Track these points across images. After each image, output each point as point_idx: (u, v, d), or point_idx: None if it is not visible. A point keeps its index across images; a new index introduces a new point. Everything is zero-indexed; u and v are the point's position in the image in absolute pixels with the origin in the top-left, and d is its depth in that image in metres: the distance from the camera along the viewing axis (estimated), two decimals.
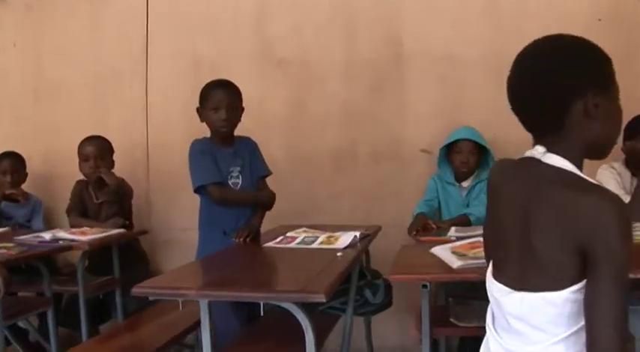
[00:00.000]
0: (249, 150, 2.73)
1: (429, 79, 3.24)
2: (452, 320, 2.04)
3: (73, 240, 2.57)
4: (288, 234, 2.47)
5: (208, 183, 2.52)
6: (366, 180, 3.32)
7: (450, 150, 3.08)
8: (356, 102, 3.32)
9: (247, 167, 2.67)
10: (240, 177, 2.63)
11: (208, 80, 3.37)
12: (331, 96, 3.34)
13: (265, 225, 2.73)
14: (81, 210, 3.04)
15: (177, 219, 3.49)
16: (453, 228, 2.61)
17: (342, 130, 3.34)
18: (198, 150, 2.59)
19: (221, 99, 2.56)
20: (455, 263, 1.77)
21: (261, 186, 2.70)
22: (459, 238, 2.29)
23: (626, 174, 2.75)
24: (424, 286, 1.76)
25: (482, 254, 1.83)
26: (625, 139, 2.72)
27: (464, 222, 2.81)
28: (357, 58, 3.31)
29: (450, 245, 2.06)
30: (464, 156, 3.00)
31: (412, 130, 3.27)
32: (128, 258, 2.96)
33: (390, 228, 2.98)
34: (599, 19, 3.09)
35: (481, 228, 2.54)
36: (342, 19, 3.32)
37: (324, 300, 1.48)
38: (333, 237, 2.37)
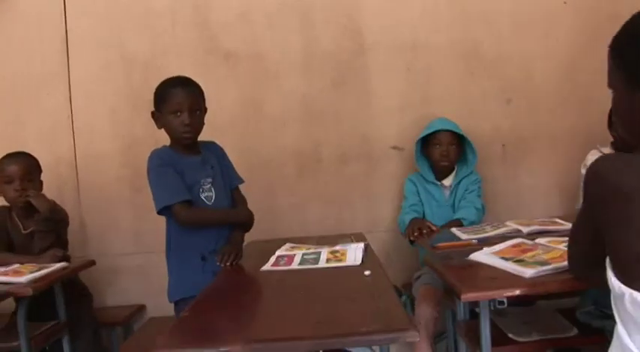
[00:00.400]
0: (217, 156, 2.34)
1: (394, 69, 2.99)
2: (510, 335, 1.79)
3: (7, 283, 2.04)
4: (279, 253, 2.12)
5: (174, 203, 2.10)
6: (333, 184, 3.01)
7: (426, 143, 2.86)
8: (317, 97, 3.01)
9: (219, 177, 2.28)
10: (213, 189, 2.23)
11: (142, 80, 2.94)
12: (289, 92, 2.99)
13: None
14: (6, 244, 2.46)
15: (117, 242, 3.00)
16: (456, 230, 2.37)
17: (303, 130, 3.01)
18: (158, 164, 2.17)
19: (182, 101, 2.16)
20: (525, 272, 1.52)
21: (237, 198, 2.33)
22: (479, 241, 2.06)
23: None
24: (500, 303, 1.49)
25: (544, 257, 1.65)
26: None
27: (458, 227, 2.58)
28: (316, 49, 2.99)
29: (489, 250, 1.81)
30: (443, 148, 2.78)
31: (379, 126, 3.01)
32: (68, 295, 2.44)
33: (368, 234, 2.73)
34: (565, 2, 3.00)
35: (491, 228, 2.39)
36: (295, 5, 2.98)
37: (418, 339, 1.17)
38: (336, 251, 2.05)
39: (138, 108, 2.97)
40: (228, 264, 2.06)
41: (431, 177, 2.84)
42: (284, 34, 2.98)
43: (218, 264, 2.07)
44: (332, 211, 2.99)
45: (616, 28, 2.75)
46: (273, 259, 2.05)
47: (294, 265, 1.95)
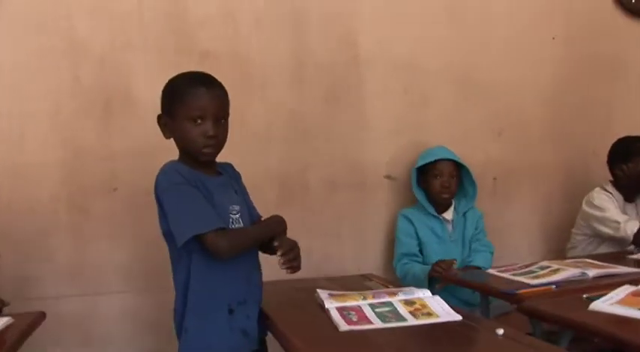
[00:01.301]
0: (238, 181, 1.87)
1: (391, 89, 2.71)
2: None
3: None
4: (336, 305, 1.70)
5: (207, 232, 1.59)
6: (321, 214, 2.63)
7: (423, 174, 2.61)
8: (307, 114, 2.61)
9: (244, 206, 1.80)
10: (241, 220, 1.75)
11: (95, 76, 2.35)
12: (275, 104, 2.57)
13: None
14: None
15: (49, 281, 2.31)
16: (495, 272, 2.13)
17: (290, 150, 2.59)
18: (179, 181, 1.63)
19: (206, 105, 1.67)
20: None
21: None
22: (556, 284, 1.84)
23: (619, 197, 2.63)
24: None
25: None
26: (620, 162, 2.60)
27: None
28: (308, 59, 2.61)
29: (607, 300, 1.59)
30: (445, 179, 2.55)
31: (373, 150, 2.70)
32: None
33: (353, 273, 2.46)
34: (553, 38, 2.96)
35: (540, 269, 2.17)
36: (287, 4, 2.58)
37: None
38: (412, 302, 1.69)
39: (88, 111, 2.35)
40: (288, 267, 1.64)
41: (431, 209, 2.58)
42: (273, 36, 2.56)
43: (282, 262, 1.63)
44: (317, 245, 2.59)
45: (595, 69, 2.67)
46: (335, 314, 1.62)
47: (377, 322, 1.56)
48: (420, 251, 2.56)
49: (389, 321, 1.57)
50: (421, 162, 2.59)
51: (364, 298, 1.75)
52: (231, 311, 1.67)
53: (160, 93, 2.36)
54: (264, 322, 1.75)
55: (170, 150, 2.36)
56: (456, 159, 2.57)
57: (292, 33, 2.58)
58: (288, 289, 2.04)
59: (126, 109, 2.39)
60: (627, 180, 2.57)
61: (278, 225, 1.77)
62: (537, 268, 2.13)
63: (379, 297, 1.76)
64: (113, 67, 2.37)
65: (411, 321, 1.56)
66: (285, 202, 2.57)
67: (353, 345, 1.41)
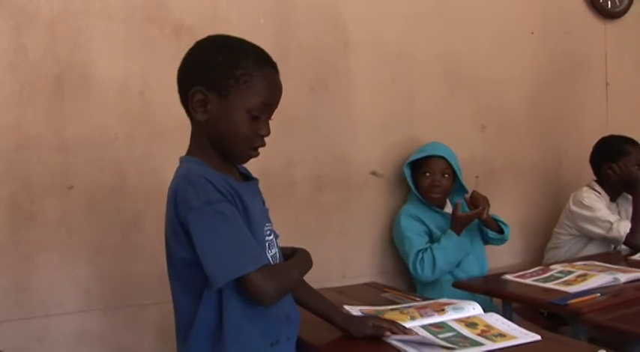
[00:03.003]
0: (259, 191, 1.51)
1: (380, 77, 2.48)
2: None
3: None
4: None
5: (253, 272, 1.22)
6: (306, 214, 2.34)
7: (414, 170, 2.42)
8: (291, 103, 2.26)
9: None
10: (275, 243, 1.42)
11: (44, 46, 1.94)
12: None
13: None
14: None
15: None
16: (511, 277, 1.97)
17: (273, 144, 2.24)
18: (217, 198, 1.23)
19: (276, 97, 1.34)
20: None
21: None
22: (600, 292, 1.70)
23: (606, 197, 2.58)
24: None
25: None
26: (608, 161, 2.54)
27: None
28: (292, 40, 2.30)
29: None
30: (436, 177, 2.37)
31: (361, 145, 2.44)
32: None
33: (336, 280, 2.29)
34: (532, 33, 2.87)
35: (562, 275, 2.02)
36: None
37: None
38: (474, 323, 1.47)
39: (36, 90, 1.90)
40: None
41: (434, 206, 2.39)
42: (254, 12, 2.23)
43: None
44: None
45: (571, 66, 2.54)
46: (402, 345, 1.36)
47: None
48: None
49: (463, 347, 1.33)
50: (412, 158, 2.39)
51: (412, 317, 1.51)
52: (274, 344, 1.33)
53: (124, 73, 2.00)
54: None
55: (137, 140, 2.01)
56: (449, 159, 2.38)
57: (274, 9, 2.26)
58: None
59: (82, 89, 1.95)
60: (618, 179, 2.52)
61: (310, 263, 1.44)
62: (559, 273, 1.99)
63: (428, 316, 1.52)
64: (65, 36, 1.93)
65: (489, 345, 1.34)
66: (268, 202, 2.25)
67: None
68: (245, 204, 1.30)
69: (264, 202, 1.47)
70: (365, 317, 1.49)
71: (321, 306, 1.50)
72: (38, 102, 1.90)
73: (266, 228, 1.37)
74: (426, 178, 2.37)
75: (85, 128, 1.96)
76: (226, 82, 1.27)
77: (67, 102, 1.93)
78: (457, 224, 2.25)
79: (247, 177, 1.47)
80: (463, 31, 2.65)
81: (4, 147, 1.86)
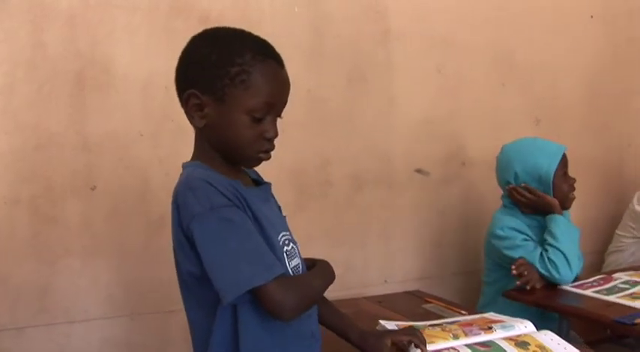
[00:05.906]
0: (273, 196, 1.35)
1: (423, 68, 2.30)
2: None
3: None
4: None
5: (269, 282, 1.07)
6: (345, 216, 2.19)
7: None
8: (327, 96, 2.16)
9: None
10: (296, 249, 1.26)
11: (64, 41, 1.83)
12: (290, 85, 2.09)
13: None
14: None
15: (3, 309, 1.77)
16: (577, 289, 1.76)
17: (308, 140, 2.13)
18: (223, 203, 1.08)
19: (280, 95, 1.14)
20: None
21: None
22: None
23: None
24: None
25: None
26: None
27: None
28: (329, 30, 2.15)
29: None
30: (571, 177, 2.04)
31: (403, 141, 2.28)
32: None
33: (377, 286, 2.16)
34: (592, 16, 2.63)
35: (628, 286, 1.80)
36: None
37: None
38: (526, 344, 1.30)
39: (56, 87, 1.81)
40: None
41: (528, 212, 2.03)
42: (288, 3, 2.09)
43: None
44: (340, 254, 2.15)
45: (634, 52, 2.26)
46: None
47: None
48: None
49: None
50: (554, 164, 1.97)
51: (455, 336, 1.34)
52: None
53: (144, 66, 1.88)
54: None
55: (163, 137, 1.90)
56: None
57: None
58: None
59: (104, 85, 1.86)
60: None
61: (333, 275, 1.27)
62: (623, 284, 1.79)
63: (473, 334, 1.35)
64: (86, 31, 1.83)
65: None
66: (303, 204, 2.12)
67: None
68: (254, 211, 1.15)
69: (280, 208, 1.32)
70: (383, 333, 1.33)
71: (337, 322, 1.35)
72: (58, 100, 1.81)
73: (283, 237, 1.22)
74: (567, 179, 2.02)
75: (108, 126, 1.86)
76: (221, 83, 1.10)
77: (88, 100, 1.84)
78: (551, 206, 1.96)
79: (259, 182, 1.31)
80: (515, 15, 2.45)
81: (24, 147, 1.78)
